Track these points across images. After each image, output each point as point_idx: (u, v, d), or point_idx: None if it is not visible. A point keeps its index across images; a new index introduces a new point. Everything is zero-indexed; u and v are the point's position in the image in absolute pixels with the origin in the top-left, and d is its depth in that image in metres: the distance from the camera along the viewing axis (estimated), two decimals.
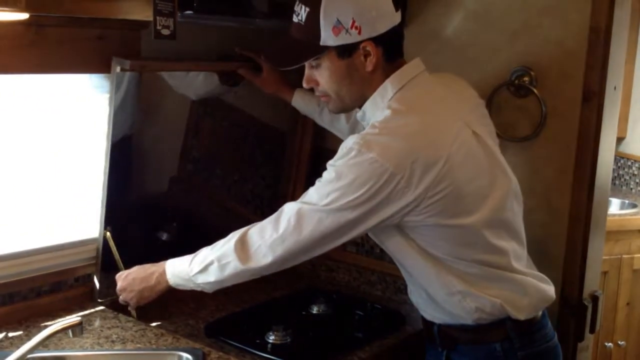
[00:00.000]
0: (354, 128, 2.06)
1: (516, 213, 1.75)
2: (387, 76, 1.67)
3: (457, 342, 1.79)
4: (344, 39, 1.61)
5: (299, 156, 2.53)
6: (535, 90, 2.03)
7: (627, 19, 2.00)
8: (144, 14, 1.61)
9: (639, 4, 3.20)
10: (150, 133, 2.17)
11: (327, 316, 2.15)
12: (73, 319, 1.58)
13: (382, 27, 1.61)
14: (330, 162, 1.64)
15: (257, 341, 1.92)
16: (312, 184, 2.50)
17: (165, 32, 1.60)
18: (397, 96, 1.66)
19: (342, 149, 1.61)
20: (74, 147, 1.96)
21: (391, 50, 1.66)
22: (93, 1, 1.52)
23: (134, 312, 1.95)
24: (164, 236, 2.29)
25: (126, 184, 2.17)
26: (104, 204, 1.98)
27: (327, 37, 1.61)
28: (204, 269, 1.75)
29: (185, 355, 1.71)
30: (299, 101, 2.16)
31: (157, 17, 1.57)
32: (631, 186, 3.96)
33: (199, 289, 1.80)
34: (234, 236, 1.73)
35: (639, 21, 3.64)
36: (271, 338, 1.93)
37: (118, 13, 1.58)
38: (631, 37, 3.32)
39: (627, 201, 3.67)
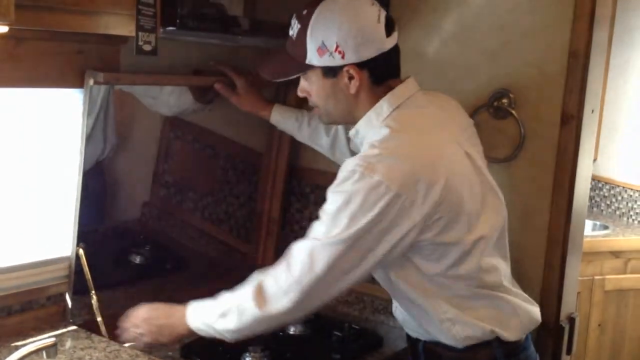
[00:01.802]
0: (334, 142, 2.08)
1: (504, 233, 1.77)
2: (375, 97, 1.68)
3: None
4: (327, 61, 1.63)
5: (275, 174, 2.52)
6: (514, 112, 2.05)
7: (605, 43, 2.03)
8: (126, 29, 1.59)
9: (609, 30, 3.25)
10: (121, 158, 2.15)
11: (304, 337, 2.13)
12: (46, 339, 1.53)
13: (367, 54, 1.63)
14: (332, 188, 1.62)
15: None
16: (288, 201, 2.54)
17: (147, 47, 1.58)
18: (393, 115, 1.67)
19: (343, 171, 1.60)
20: (46, 163, 1.92)
21: (378, 74, 1.67)
22: (75, 15, 1.50)
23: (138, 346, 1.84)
24: (137, 259, 2.27)
25: (98, 210, 2.15)
26: (77, 222, 1.94)
27: (312, 57, 1.64)
28: (223, 315, 1.69)
29: None
30: (277, 118, 2.15)
31: (139, 33, 1.56)
32: (602, 208, 4.02)
33: (219, 336, 1.72)
34: (252, 281, 1.68)
35: (608, 45, 3.70)
36: (248, 359, 1.90)
37: (100, 28, 1.56)
38: None
39: (598, 223, 3.72)
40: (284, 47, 1.72)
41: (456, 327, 1.69)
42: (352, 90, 1.66)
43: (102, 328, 1.94)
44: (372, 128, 1.68)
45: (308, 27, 1.63)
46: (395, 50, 1.69)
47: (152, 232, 2.32)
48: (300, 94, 1.76)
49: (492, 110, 2.08)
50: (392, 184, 1.53)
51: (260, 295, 1.63)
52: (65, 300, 1.97)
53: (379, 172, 1.54)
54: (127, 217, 2.34)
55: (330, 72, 1.65)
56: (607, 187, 3.98)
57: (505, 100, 2.07)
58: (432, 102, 1.76)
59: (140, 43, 1.56)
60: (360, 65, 1.63)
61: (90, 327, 1.94)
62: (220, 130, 2.43)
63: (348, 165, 1.59)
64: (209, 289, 2.37)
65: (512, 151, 2.06)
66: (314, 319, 2.21)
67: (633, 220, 3.85)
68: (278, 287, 1.61)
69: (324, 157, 2.46)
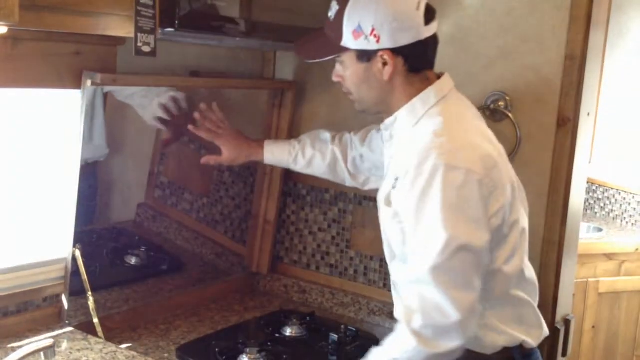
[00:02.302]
0: (334, 168, 2.07)
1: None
2: (411, 86, 1.65)
3: None
4: (362, 45, 1.60)
5: (270, 176, 2.52)
6: (510, 115, 2.05)
7: (601, 46, 2.04)
8: (125, 30, 1.59)
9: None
10: (116, 160, 2.14)
11: (300, 338, 2.13)
12: (44, 340, 1.52)
13: (403, 40, 1.59)
14: (416, 195, 1.51)
15: None
16: (284, 203, 2.54)
17: (146, 49, 1.57)
18: (441, 105, 1.64)
19: (423, 173, 1.51)
20: (43, 164, 1.91)
21: (413, 62, 1.63)
22: (75, 16, 1.49)
23: None
24: (132, 260, 2.27)
25: (93, 212, 2.15)
26: (74, 223, 1.94)
27: (348, 39, 1.61)
28: None
29: None
30: (270, 157, 2.12)
31: (138, 34, 1.55)
32: (596, 210, 4.03)
33: None
34: (404, 332, 1.53)
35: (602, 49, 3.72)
36: None
37: (99, 29, 1.55)
38: None
39: (592, 225, 3.73)
40: (322, 29, 1.69)
41: (492, 335, 1.64)
42: (385, 76, 1.62)
43: (99, 329, 1.94)
44: (414, 116, 1.64)
45: (346, 9, 1.60)
46: (433, 40, 1.65)
47: (148, 233, 2.32)
48: (334, 78, 1.72)
49: (489, 113, 2.08)
50: (478, 170, 1.51)
51: (424, 339, 1.50)
52: (61, 302, 1.97)
53: (460, 161, 1.50)
54: (122, 218, 2.33)
55: (365, 56, 1.62)
56: (601, 189, 4.00)
57: (501, 103, 2.07)
58: (463, 98, 1.74)
59: (140, 44, 1.55)
60: (395, 52, 1.60)
61: (86, 328, 1.94)
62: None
63: (425, 165, 1.51)
64: (204, 291, 2.40)
65: (508, 154, 2.03)
66: (310, 320, 2.22)
67: (627, 222, 3.87)
68: (434, 329, 1.50)
69: None
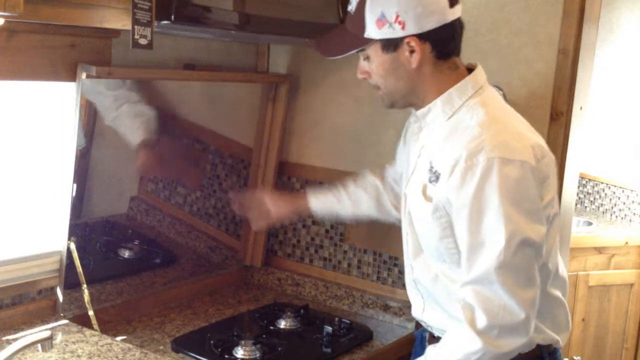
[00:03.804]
0: (379, 201, 2.03)
1: None
2: (440, 74, 1.59)
3: None
4: (387, 33, 1.55)
5: (264, 169, 2.52)
6: None
7: (594, 41, 2.06)
8: (121, 22, 1.59)
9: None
10: (108, 153, 2.14)
11: (295, 331, 2.14)
12: (41, 332, 1.53)
13: (429, 25, 1.54)
14: (470, 190, 1.47)
15: (226, 356, 1.90)
16: None
17: (143, 41, 1.57)
18: (479, 96, 1.59)
19: (476, 167, 1.47)
20: (37, 157, 1.91)
21: (441, 48, 1.58)
22: (72, 8, 1.49)
23: None
24: (126, 254, 2.27)
25: (86, 204, 2.14)
26: (69, 216, 1.94)
27: (371, 30, 1.56)
28: None
29: None
30: (317, 204, 2.05)
31: (135, 26, 1.55)
32: (585, 204, 4.06)
33: None
34: (468, 333, 1.50)
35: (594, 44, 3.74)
36: (240, 353, 1.91)
37: (95, 21, 1.55)
38: None
39: (582, 219, 3.75)
40: (342, 25, 1.65)
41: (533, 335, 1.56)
42: (414, 64, 1.56)
43: (94, 322, 1.94)
44: (452, 107, 1.59)
45: None
46: (459, 24, 1.60)
47: (141, 226, 2.32)
48: (359, 75, 1.66)
49: None
50: (531, 160, 1.48)
51: (492, 339, 1.48)
52: (56, 294, 1.97)
53: (511, 152, 1.47)
54: (115, 211, 2.32)
55: (390, 45, 1.56)
56: (591, 183, 4.03)
57: None
58: (493, 90, 1.70)
59: (137, 37, 1.55)
60: (421, 37, 1.54)
61: (81, 321, 1.95)
62: (210, 125, 2.43)
63: (477, 164, 1.47)
64: (198, 284, 2.40)
65: None
66: (304, 313, 2.23)
67: (616, 216, 3.90)
68: (501, 327, 1.47)
69: (314, 152, 2.48)
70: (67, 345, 1.79)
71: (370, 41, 1.58)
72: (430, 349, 1.59)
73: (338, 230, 2.43)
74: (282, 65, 2.52)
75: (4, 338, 1.79)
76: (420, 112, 1.65)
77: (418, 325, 2.20)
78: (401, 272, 2.29)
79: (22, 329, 1.85)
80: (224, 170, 2.50)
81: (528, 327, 1.49)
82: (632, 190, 3.82)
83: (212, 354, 1.91)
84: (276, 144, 2.50)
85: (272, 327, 2.14)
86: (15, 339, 1.68)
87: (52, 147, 1.91)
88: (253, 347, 1.93)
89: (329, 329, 2.08)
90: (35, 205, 1.92)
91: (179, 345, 1.96)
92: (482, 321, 1.47)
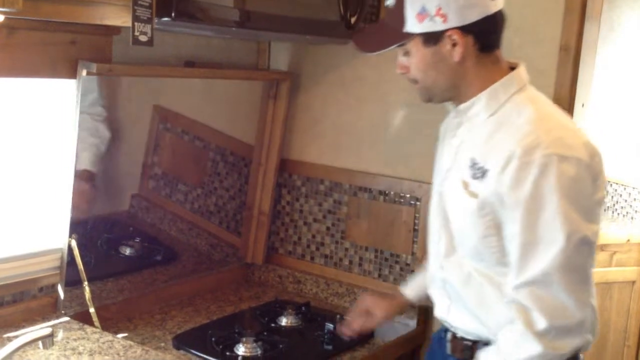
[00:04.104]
0: None
1: None
2: (483, 68, 1.56)
3: None
4: (428, 27, 1.51)
5: (265, 167, 2.52)
6: None
7: (595, 38, 2.05)
8: (121, 19, 1.58)
9: None
10: (109, 150, 2.14)
11: (296, 328, 2.14)
12: (42, 329, 1.53)
13: (471, 17, 1.50)
14: (526, 188, 1.43)
15: (227, 353, 1.91)
16: (279, 194, 2.54)
17: (143, 38, 1.57)
18: (525, 92, 1.57)
19: (532, 164, 1.43)
20: (38, 154, 1.91)
21: (484, 40, 1.54)
22: (72, 5, 1.49)
23: None
24: (127, 251, 2.27)
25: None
26: (69, 213, 1.94)
27: (412, 24, 1.53)
28: None
29: None
30: (413, 293, 1.94)
31: (135, 23, 1.55)
32: None
33: None
34: (526, 336, 1.46)
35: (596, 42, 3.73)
36: (241, 350, 1.91)
37: (95, 18, 1.55)
38: None
39: None
40: (381, 20, 1.63)
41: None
42: (456, 57, 1.52)
43: (95, 319, 1.94)
44: (496, 103, 1.55)
45: None
46: (501, 15, 1.55)
47: (142, 224, 2.32)
48: (398, 70, 1.62)
49: None
50: (585, 158, 1.45)
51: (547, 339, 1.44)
52: (57, 292, 1.97)
53: (566, 150, 1.43)
54: (116, 209, 2.32)
55: (432, 39, 1.52)
56: None
57: None
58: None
59: (137, 34, 1.55)
60: (464, 30, 1.50)
61: (82, 318, 1.94)
62: (211, 122, 2.43)
63: (531, 163, 1.43)
64: (199, 281, 2.40)
65: None
66: (305, 310, 2.23)
67: (618, 214, 3.89)
68: (560, 326, 1.44)
69: (315, 150, 2.48)
70: (68, 342, 1.79)
71: (410, 35, 1.54)
72: (482, 355, 1.55)
73: (339, 227, 2.43)
74: (283, 62, 2.51)
75: (4, 335, 1.79)
76: (463, 106, 1.60)
77: (420, 322, 2.20)
78: (402, 270, 2.30)
79: (23, 327, 1.85)
80: (225, 168, 2.50)
81: (584, 328, 1.46)
82: (634, 188, 3.82)
83: (213, 351, 1.91)
84: (277, 142, 2.50)
85: (273, 325, 2.14)
86: (16, 336, 1.68)
87: (53, 145, 1.91)
88: (254, 344, 1.93)
89: (330, 326, 2.08)
90: (36, 203, 1.92)
91: (180, 342, 1.96)
92: (541, 323, 1.43)
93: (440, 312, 1.72)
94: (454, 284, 1.64)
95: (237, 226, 2.56)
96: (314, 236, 2.48)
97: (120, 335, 1.92)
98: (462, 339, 1.66)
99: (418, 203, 2.26)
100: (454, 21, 1.50)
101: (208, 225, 2.50)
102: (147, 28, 1.59)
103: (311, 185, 2.48)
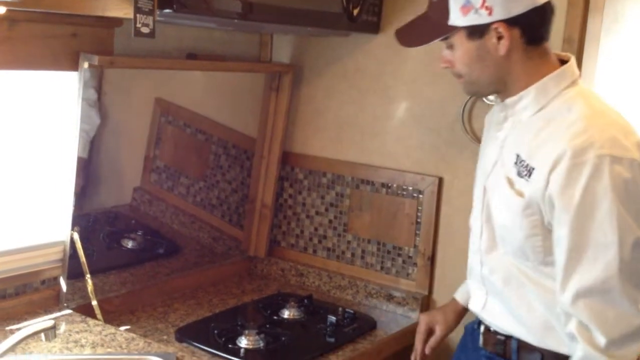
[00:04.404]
0: None
1: None
2: (530, 61, 1.52)
3: None
4: (473, 20, 1.48)
5: (268, 160, 2.52)
6: None
7: (599, 30, 2.04)
8: (123, 11, 1.58)
9: None
10: (111, 143, 2.14)
11: (299, 321, 2.14)
12: (45, 322, 1.52)
13: (517, 8, 1.46)
14: (579, 190, 1.39)
15: (230, 346, 1.90)
16: (281, 187, 2.54)
17: (145, 30, 1.57)
18: (576, 87, 1.53)
19: (584, 165, 1.38)
20: (40, 146, 1.91)
21: (531, 33, 1.49)
22: None
23: None
24: (129, 244, 2.27)
25: (90, 194, 2.14)
26: (72, 205, 1.93)
27: (456, 17, 1.49)
28: None
29: None
30: (463, 295, 1.87)
31: (137, 15, 1.54)
32: None
33: None
34: (591, 355, 1.43)
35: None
36: (244, 342, 1.91)
37: (97, 10, 1.54)
38: None
39: None
40: (424, 13, 1.59)
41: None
42: (502, 51, 1.49)
43: (98, 312, 1.94)
44: (545, 97, 1.51)
45: None
46: (550, 7, 1.51)
47: (144, 217, 2.32)
48: (442, 64, 1.59)
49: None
50: (638, 158, 1.41)
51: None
52: (59, 284, 1.97)
53: (624, 149, 1.40)
54: (118, 202, 2.32)
55: (476, 32, 1.49)
56: None
57: None
58: None
59: (138, 25, 1.55)
60: (509, 22, 1.46)
61: (84, 311, 1.94)
62: (213, 115, 2.42)
63: (584, 152, 1.39)
64: (202, 274, 2.40)
65: None
66: (308, 303, 2.23)
67: None
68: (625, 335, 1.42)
69: (317, 142, 2.48)
70: (70, 335, 1.79)
71: (454, 29, 1.51)
72: None
73: (342, 220, 2.42)
74: (285, 55, 2.51)
75: (7, 328, 1.79)
76: (510, 100, 1.56)
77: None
78: (405, 262, 2.30)
79: (26, 319, 1.85)
80: (227, 160, 2.50)
81: None
82: None
83: (215, 344, 1.91)
84: (279, 134, 2.49)
85: (275, 317, 2.14)
86: (18, 329, 1.68)
87: (55, 137, 1.90)
88: (257, 336, 1.93)
89: (332, 318, 2.08)
90: (38, 195, 1.92)
91: (183, 334, 1.96)
92: (601, 340, 1.40)
93: (475, 306, 1.70)
94: (493, 280, 1.62)
95: (239, 219, 2.56)
96: (316, 229, 2.48)
97: (122, 328, 1.92)
98: (496, 332, 1.65)
99: (420, 195, 2.26)
100: (499, 13, 1.46)
101: (210, 218, 2.50)
102: (149, 20, 1.58)
103: (313, 178, 2.48)
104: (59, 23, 1.78)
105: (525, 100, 1.53)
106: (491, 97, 2.10)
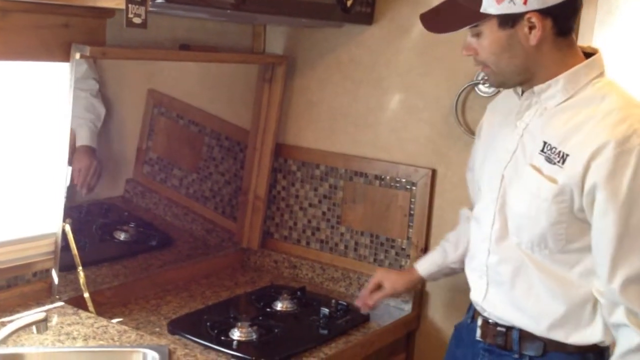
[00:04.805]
0: None
1: None
2: (559, 51, 1.51)
3: (547, 349, 1.61)
4: (507, 8, 1.46)
5: (261, 152, 2.51)
6: (502, 90, 2.05)
7: (592, 22, 2.04)
8: (115, 1, 1.56)
9: None
10: (103, 135, 2.12)
11: (292, 313, 2.14)
12: (36, 314, 1.52)
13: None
14: (625, 179, 1.41)
15: (222, 338, 1.90)
16: (274, 179, 2.53)
17: (137, 20, 1.55)
18: (605, 78, 1.54)
19: (629, 154, 1.41)
20: (32, 138, 1.90)
21: (562, 24, 1.49)
22: None
23: None
24: (122, 236, 2.26)
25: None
26: (64, 197, 1.92)
27: (489, 5, 1.47)
28: None
29: (150, 352, 1.67)
30: (425, 266, 1.97)
31: (129, 5, 1.53)
32: None
33: None
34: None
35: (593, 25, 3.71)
36: (236, 335, 1.91)
37: (89, 0, 1.54)
38: None
39: None
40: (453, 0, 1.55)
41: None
42: (533, 41, 1.48)
43: (90, 304, 1.94)
44: (575, 86, 1.52)
45: None
46: None
47: (137, 209, 2.31)
48: (465, 52, 1.57)
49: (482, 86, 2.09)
50: None
51: None
52: (51, 276, 1.96)
53: None
54: (111, 194, 2.32)
55: (509, 21, 1.47)
56: None
57: None
58: None
59: (130, 16, 1.53)
60: (543, 13, 1.45)
61: (76, 303, 1.94)
62: (206, 107, 2.41)
63: (626, 141, 1.41)
64: (194, 266, 2.40)
65: None
66: (301, 295, 2.23)
67: None
68: None
69: (311, 134, 2.47)
70: (62, 327, 1.79)
71: (486, 16, 1.48)
72: None
73: (335, 212, 2.42)
74: (279, 46, 2.50)
75: None
76: (537, 88, 1.55)
77: (415, 307, 2.20)
78: (398, 254, 2.30)
79: (17, 311, 1.84)
80: (220, 152, 2.49)
81: None
82: None
83: (208, 336, 1.90)
84: (273, 126, 2.48)
85: (268, 309, 2.14)
86: (10, 321, 1.67)
87: (46, 128, 1.89)
88: (249, 328, 1.92)
89: (325, 310, 2.08)
90: (30, 187, 1.91)
91: (175, 327, 1.96)
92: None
93: (476, 296, 1.70)
94: (500, 270, 1.62)
95: (232, 211, 2.55)
96: (309, 221, 2.48)
97: (114, 320, 1.92)
98: (496, 324, 1.65)
99: (414, 188, 2.26)
100: (535, 3, 1.45)
101: (203, 210, 2.50)
102: (141, 10, 1.57)
103: (307, 170, 2.47)
104: (51, 13, 1.76)
105: (554, 89, 1.53)
106: (485, 89, 2.11)
